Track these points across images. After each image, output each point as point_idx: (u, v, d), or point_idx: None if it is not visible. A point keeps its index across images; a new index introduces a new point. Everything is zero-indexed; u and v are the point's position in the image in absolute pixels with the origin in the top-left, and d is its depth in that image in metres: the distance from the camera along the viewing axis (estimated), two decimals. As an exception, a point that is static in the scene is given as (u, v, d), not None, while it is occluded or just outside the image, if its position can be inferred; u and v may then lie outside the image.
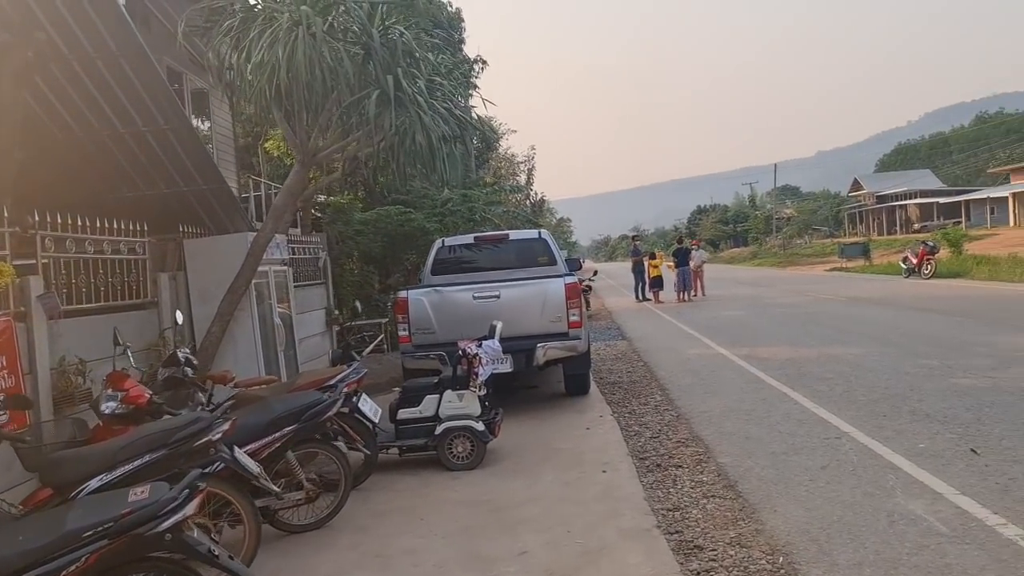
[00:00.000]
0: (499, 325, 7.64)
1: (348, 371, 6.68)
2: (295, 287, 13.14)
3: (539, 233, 11.37)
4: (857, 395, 8.51)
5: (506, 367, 8.99)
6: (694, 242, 29.56)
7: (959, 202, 67.63)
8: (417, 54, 9.16)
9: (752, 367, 10.94)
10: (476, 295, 9.14)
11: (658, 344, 14.71)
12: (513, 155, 63.63)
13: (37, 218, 6.65)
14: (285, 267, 10.60)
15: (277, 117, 8.97)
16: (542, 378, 11.03)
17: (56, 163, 9.16)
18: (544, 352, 9.00)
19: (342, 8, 8.61)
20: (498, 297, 9.12)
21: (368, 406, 6.89)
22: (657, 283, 25.16)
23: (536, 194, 71.18)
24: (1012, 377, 8.81)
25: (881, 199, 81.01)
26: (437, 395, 7.32)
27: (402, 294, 9.33)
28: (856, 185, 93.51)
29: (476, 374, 7.06)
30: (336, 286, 15.48)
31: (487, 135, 44.51)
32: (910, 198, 75.65)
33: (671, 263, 25.51)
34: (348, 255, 17.97)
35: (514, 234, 11.55)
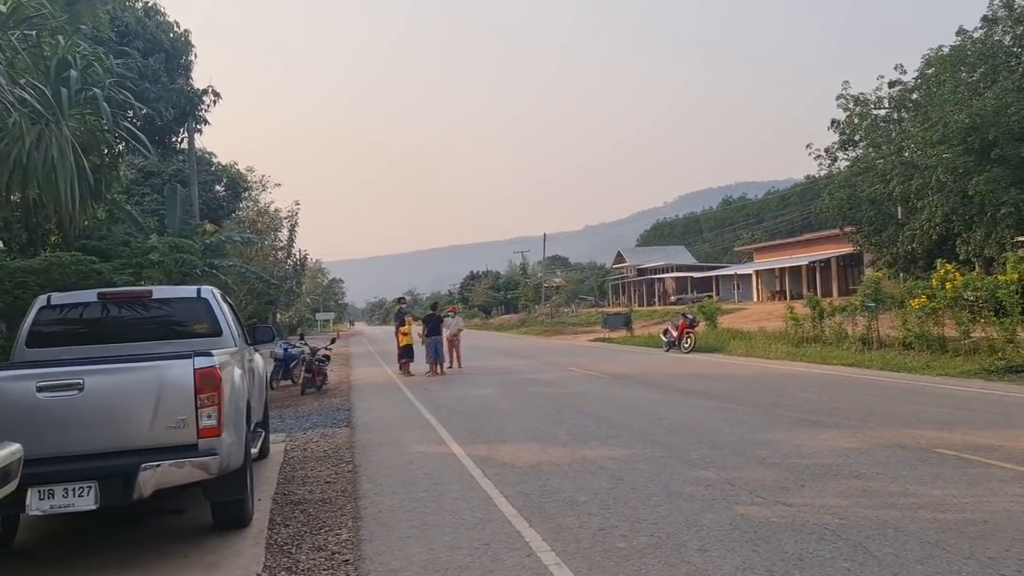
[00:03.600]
0: None
1: None
2: None
3: (198, 291, 8.09)
4: (616, 537, 5.92)
5: (87, 501, 5.59)
6: (451, 308, 27.19)
7: (710, 277, 71.36)
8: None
9: (485, 479, 8.17)
10: (43, 386, 5.66)
11: (383, 436, 11.69)
12: (277, 210, 59.39)
13: None
14: None
15: None
16: (194, 498, 7.58)
17: None
18: (153, 476, 5.69)
19: None
20: (80, 389, 5.70)
21: None
22: (407, 353, 22.29)
23: (299, 252, 67.09)
24: (810, 504, 6.62)
25: (641, 272, 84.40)
26: None
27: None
28: (619, 258, 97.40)
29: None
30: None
31: (235, 181, 40.39)
32: (667, 271, 79.14)
33: (420, 331, 22.79)
34: None
35: (161, 291, 8.22)
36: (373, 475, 8.84)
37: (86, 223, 11.31)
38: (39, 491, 5.50)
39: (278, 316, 68.99)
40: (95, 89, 8.36)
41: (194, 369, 5.87)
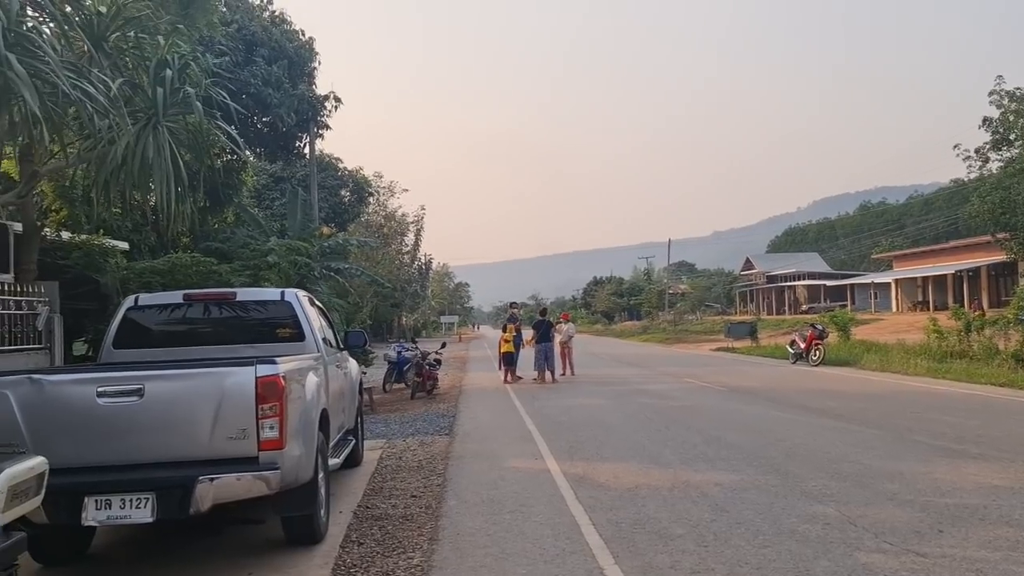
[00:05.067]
0: (8, 470, 3.92)
1: None
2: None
3: (282, 294, 7.85)
4: (712, 581, 5.20)
5: (144, 514, 5.33)
6: (563, 315, 26.59)
7: (845, 285, 67.83)
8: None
9: (576, 502, 7.54)
10: (103, 391, 5.46)
11: (481, 447, 11.23)
12: (404, 215, 60.46)
13: None
14: None
15: None
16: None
17: None
18: (211, 489, 5.38)
19: None
20: (140, 395, 5.46)
21: None
22: (508, 360, 21.81)
23: (424, 256, 68.15)
24: (948, 554, 5.65)
25: (771, 279, 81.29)
26: None
27: (-35, 384, 5.53)
28: (748, 264, 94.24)
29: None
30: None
31: (360, 186, 41.22)
32: (799, 279, 75.85)
33: (529, 338, 22.27)
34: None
35: (245, 294, 8.02)
36: (461, 491, 8.36)
37: (184, 224, 11.44)
38: (96, 501, 5.29)
39: (403, 319, 70.37)
40: (187, 88, 8.25)
41: (255, 377, 5.53)
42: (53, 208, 16.24)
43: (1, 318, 10.33)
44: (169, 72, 8.46)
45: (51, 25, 6.98)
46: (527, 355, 22.86)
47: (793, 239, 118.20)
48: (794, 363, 26.29)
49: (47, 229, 14.16)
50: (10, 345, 10.45)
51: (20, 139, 7.92)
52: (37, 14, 6.41)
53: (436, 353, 20.53)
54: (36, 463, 4.00)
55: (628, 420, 13.36)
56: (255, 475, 5.50)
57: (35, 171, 9.03)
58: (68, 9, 8.02)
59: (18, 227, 12.84)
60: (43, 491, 4.11)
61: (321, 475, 6.54)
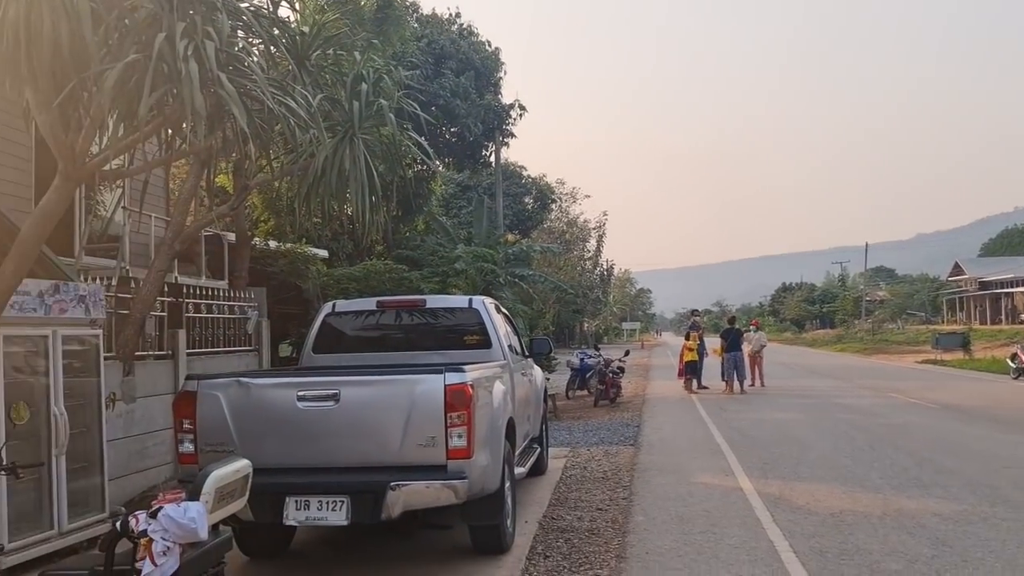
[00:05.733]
0: (216, 471, 4.04)
1: None
2: (190, 354, 10.00)
3: (470, 301, 7.90)
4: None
5: (339, 516, 5.47)
6: (753, 321, 25.44)
7: (1075, 293, 61.06)
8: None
9: (774, 525, 7.05)
10: (303, 395, 5.65)
11: (667, 460, 10.86)
12: (586, 221, 60.55)
13: None
14: (96, 331, 7.33)
15: (33, 103, 5.82)
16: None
17: None
18: (401, 496, 5.43)
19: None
20: (336, 401, 5.61)
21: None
22: (690, 369, 21.08)
23: (606, 262, 67.86)
24: None
25: (984, 285, 74.45)
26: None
27: (189, 385, 5.89)
28: (957, 269, 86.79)
29: (139, 575, 3.51)
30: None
31: (544, 193, 41.64)
32: (1017, 285, 68.98)
33: (716, 347, 21.46)
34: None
35: (434, 300, 8.15)
36: (648, 506, 8.07)
37: (378, 232, 11.89)
38: (296, 501, 5.49)
39: (585, 325, 70.44)
40: (381, 101, 8.50)
41: (444, 385, 5.54)
42: (262, 219, 17.44)
43: (217, 321, 11.13)
44: (364, 86, 8.75)
45: (259, 46, 7.37)
46: (710, 364, 22.10)
47: (1010, 241, 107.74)
48: (1016, 378, 23.82)
49: (256, 239, 15.21)
50: (224, 347, 11.24)
51: (233, 155, 8.42)
52: (245, 35, 6.76)
53: (619, 360, 20.23)
54: (241, 465, 4.15)
55: (826, 437, 12.50)
56: (443, 483, 5.50)
57: (246, 184, 9.63)
58: (275, 32, 8.44)
59: (232, 237, 13.85)
60: (248, 492, 4.27)
61: (508, 484, 6.48)
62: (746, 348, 21.23)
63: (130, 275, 10.13)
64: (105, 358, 7.53)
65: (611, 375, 19.16)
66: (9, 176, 9.30)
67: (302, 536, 6.95)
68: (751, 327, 23.41)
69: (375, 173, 9.04)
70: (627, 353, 22.33)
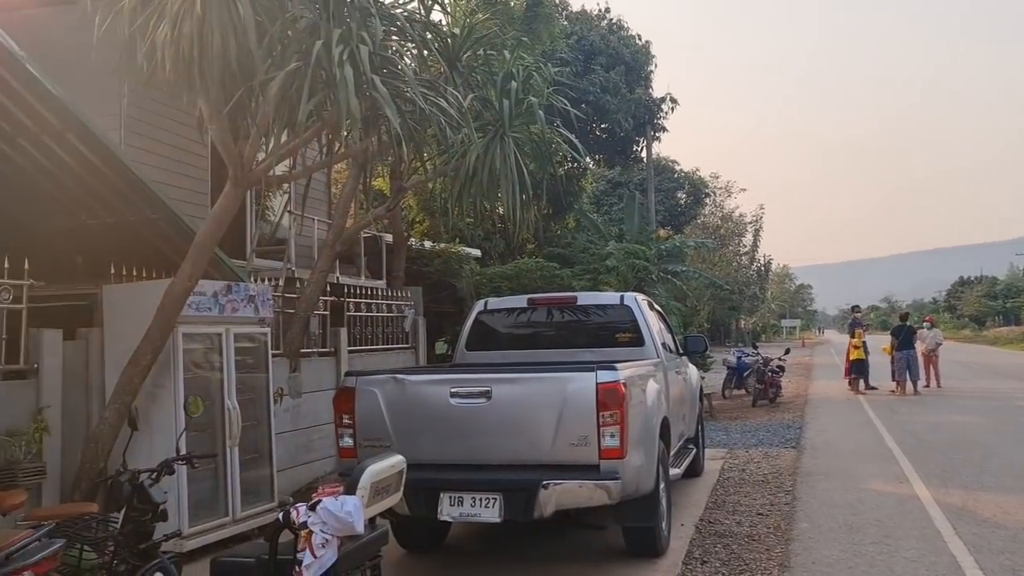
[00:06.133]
0: (371, 467, 4.08)
1: (31, 538, 3.48)
2: (351, 351, 10.41)
3: (621, 298, 7.76)
4: None
5: (492, 513, 5.49)
6: (927, 318, 23.73)
7: None
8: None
9: (956, 538, 6.51)
10: (455, 392, 5.70)
11: (833, 463, 10.29)
12: (741, 215, 58.71)
13: None
14: (265, 329, 7.73)
15: (206, 113, 6.21)
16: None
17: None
18: (553, 495, 5.38)
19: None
20: (487, 398, 5.63)
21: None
22: (856, 368, 19.87)
23: (763, 257, 65.51)
24: None
25: None
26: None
27: (348, 381, 6.07)
28: None
29: (299, 566, 3.60)
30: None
31: (697, 187, 40.68)
32: None
33: (886, 346, 20.15)
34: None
35: (585, 298, 8.07)
36: (812, 513, 7.66)
37: (529, 231, 11.94)
38: (450, 497, 5.54)
39: (741, 322, 68.39)
40: (531, 98, 8.50)
41: (596, 383, 5.44)
42: (417, 220, 17.93)
43: (376, 320, 11.50)
44: (514, 84, 8.78)
45: (412, 49, 7.54)
46: (880, 364, 20.81)
47: None
48: None
49: (412, 240, 15.64)
50: (383, 344, 11.60)
51: (389, 158, 8.65)
52: (399, 39, 6.92)
53: (779, 359, 19.44)
54: (396, 461, 4.22)
55: (1014, 443, 11.47)
56: (596, 484, 5.41)
57: (401, 186, 9.89)
58: (428, 35, 8.60)
59: (389, 238, 14.31)
60: (402, 487, 4.33)
61: (662, 486, 6.31)
62: (919, 347, 19.86)
63: (296, 276, 10.63)
64: (273, 355, 7.94)
65: (770, 374, 18.46)
66: (186, 184, 9.97)
67: (457, 531, 7.04)
68: (925, 324, 21.89)
69: (525, 171, 9.06)
70: (787, 351, 21.43)
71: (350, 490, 3.78)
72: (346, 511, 3.58)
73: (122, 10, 5.57)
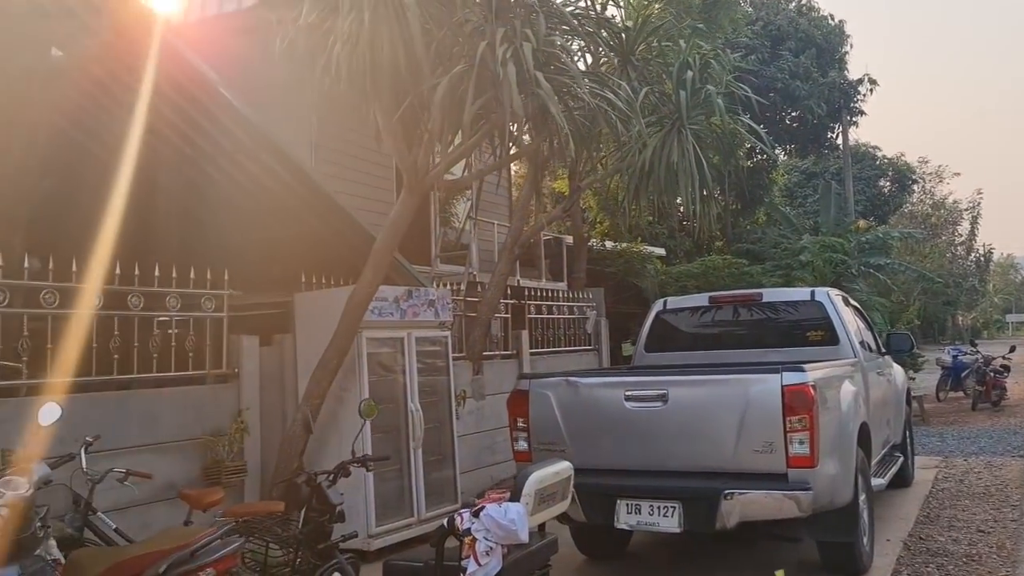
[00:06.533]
0: (536, 473, 3.93)
1: (213, 536, 3.61)
2: (533, 354, 10.46)
3: (812, 294, 7.22)
4: None
5: (671, 523, 5.23)
6: None
7: None
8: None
9: None
10: (630, 395, 5.48)
11: (1071, 476, 9.12)
12: (955, 202, 53.99)
13: None
14: (445, 332, 7.87)
15: (381, 123, 6.39)
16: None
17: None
18: (736, 505, 5.04)
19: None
20: (663, 401, 5.37)
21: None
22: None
23: (982, 247, 59.90)
24: None
25: None
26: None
27: (522, 384, 5.99)
28: None
29: (464, 573, 3.52)
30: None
31: (902, 174, 37.80)
32: None
33: None
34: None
35: (772, 294, 7.57)
36: (1045, 531, 6.77)
37: (713, 226, 11.47)
38: (627, 504, 5.33)
39: (959, 318, 62.94)
40: (708, 87, 8.13)
41: (781, 386, 5.04)
42: (597, 220, 17.79)
43: (557, 322, 11.46)
44: (690, 73, 8.45)
45: (581, 44, 7.42)
46: None
47: None
48: None
49: (593, 240, 15.52)
50: (566, 346, 11.54)
51: (567, 158, 8.55)
52: (568, 35, 6.82)
53: (1003, 357, 17.59)
54: (562, 468, 4.08)
55: None
56: (784, 494, 5.01)
57: (577, 186, 9.78)
58: (603, 33, 8.43)
59: (569, 240, 14.27)
60: (570, 495, 4.19)
61: (863, 497, 5.77)
62: None
63: (477, 280, 10.78)
64: (455, 358, 8.05)
65: (992, 374, 16.76)
66: (366, 193, 10.33)
67: (639, 539, 6.81)
68: None
69: (705, 164, 8.69)
70: (1012, 349, 19.35)
71: (514, 497, 3.69)
72: (509, 519, 3.49)
73: (299, 29, 5.82)
